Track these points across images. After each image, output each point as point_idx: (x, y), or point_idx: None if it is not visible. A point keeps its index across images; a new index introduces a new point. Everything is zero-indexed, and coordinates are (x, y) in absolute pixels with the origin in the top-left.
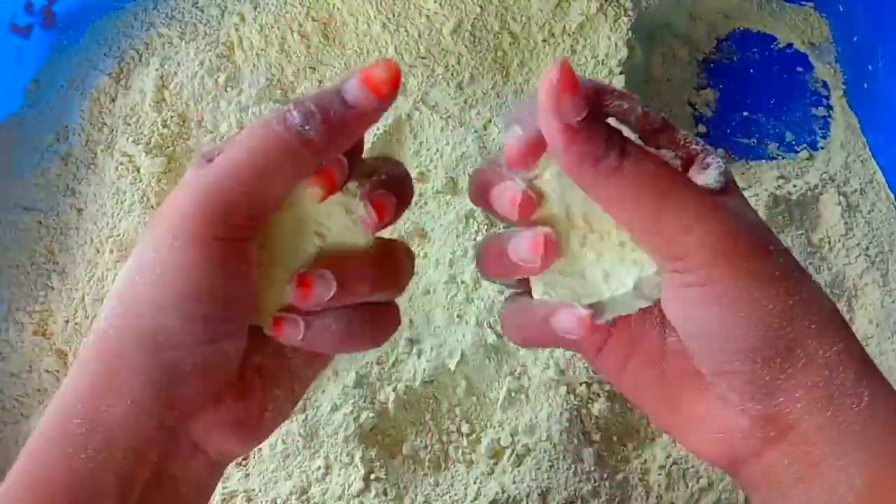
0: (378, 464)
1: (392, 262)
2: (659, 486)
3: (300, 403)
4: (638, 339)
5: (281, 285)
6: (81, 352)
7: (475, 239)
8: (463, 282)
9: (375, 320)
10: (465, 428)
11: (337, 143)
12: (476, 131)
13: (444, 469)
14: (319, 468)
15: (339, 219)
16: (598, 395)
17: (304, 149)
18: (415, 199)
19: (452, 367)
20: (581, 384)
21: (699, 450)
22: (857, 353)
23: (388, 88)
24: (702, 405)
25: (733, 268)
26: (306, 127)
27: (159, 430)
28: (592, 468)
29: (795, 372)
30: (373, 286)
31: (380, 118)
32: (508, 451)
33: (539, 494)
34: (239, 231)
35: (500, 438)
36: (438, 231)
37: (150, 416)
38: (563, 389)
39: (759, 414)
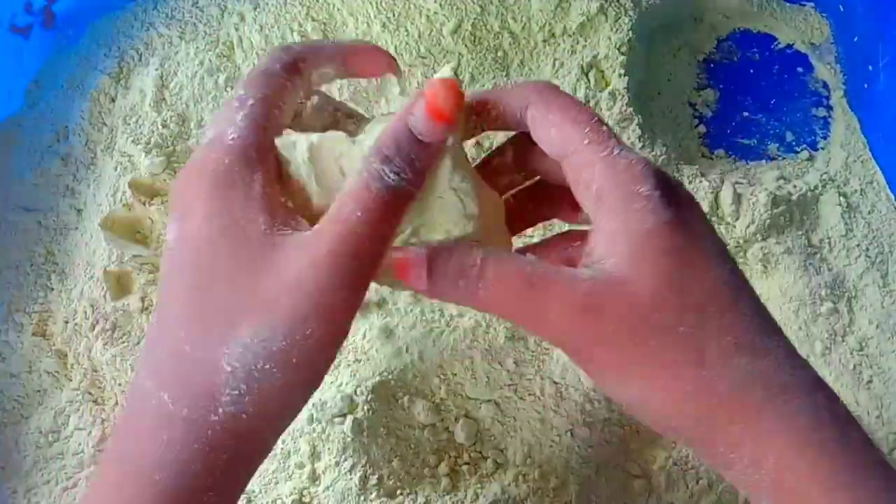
0: (378, 465)
1: None
2: (659, 486)
3: None
4: None
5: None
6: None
7: None
8: None
9: None
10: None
11: (424, 177)
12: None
13: (445, 470)
14: (319, 469)
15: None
16: (599, 400)
17: (402, 200)
18: None
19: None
20: (578, 389)
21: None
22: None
23: (454, 113)
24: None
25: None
26: (399, 179)
27: None
28: (593, 469)
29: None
30: None
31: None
32: (509, 453)
33: (539, 496)
34: (361, 296)
35: (500, 440)
36: None
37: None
38: (562, 394)
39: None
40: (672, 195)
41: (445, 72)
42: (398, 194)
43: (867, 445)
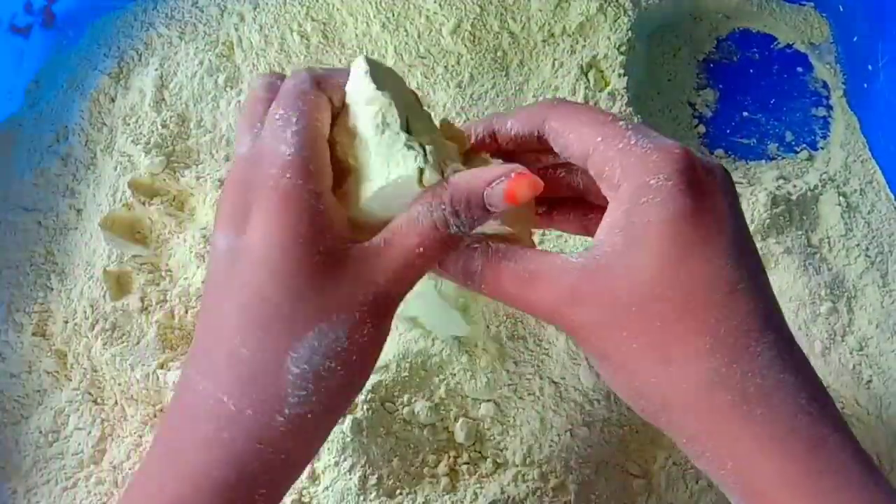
0: (378, 465)
1: None
2: (659, 486)
3: None
4: None
5: None
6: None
7: None
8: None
9: None
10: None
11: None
12: None
13: (445, 470)
14: (319, 469)
15: None
16: (598, 399)
17: (453, 245)
18: None
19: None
20: (578, 389)
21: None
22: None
23: (525, 198)
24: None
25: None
26: (458, 231)
27: None
28: (592, 469)
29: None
30: None
31: None
32: (508, 453)
33: (539, 496)
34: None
35: (499, 440)
36: None
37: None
38: (562, 394)
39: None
40: (689, 184)
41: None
42: (453, 241)
43: (847, 450)
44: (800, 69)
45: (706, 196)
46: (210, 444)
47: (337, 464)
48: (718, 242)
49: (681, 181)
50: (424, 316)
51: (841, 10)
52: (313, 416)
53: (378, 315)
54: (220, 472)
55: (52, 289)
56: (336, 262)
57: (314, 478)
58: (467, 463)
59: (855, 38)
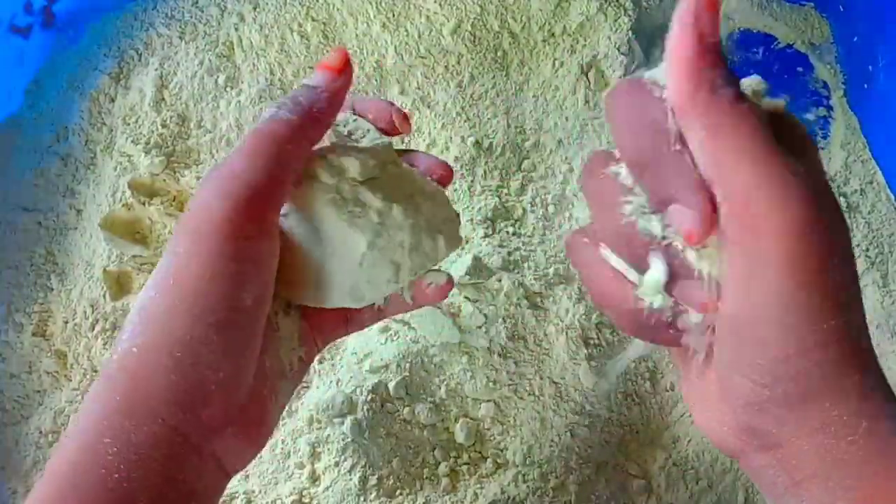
0: (378, 465)
1: None
2: (659, 486)
3: (300, 404)
4: None
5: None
6: (105, 370)
7: (478, 238)
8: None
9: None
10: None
11: (314, 118)
12: (476, 131)
13: (445, 470)
14: (319, 469)
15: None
16: (598, 400)
17: (290, 131)
18: None
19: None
20: (578, 389)
21: (703, 426)
22: (870, 384)
23: (342, 65)
24: (714, 385)
25: (799, 272)
26: (286, 113)
27: (187, 449)
28: (593, 469)
29: (795, 401)
30: None
31: (343, 96)
32: (508, 453)
33: (539, 496)
34: (266, 224)
35: (499, 441)
36: None
37: (178, 434)
38: (562, 394)
39: (744, 425)
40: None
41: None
42: (285, 125)
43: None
44: (800, 69)
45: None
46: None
47: (337, 464)
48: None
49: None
50: (416, 321)
51: (841, 10)
52: (139, 353)
53: (198, 233)
54: (81, 418)
55: (52, 289)
56: None
57: (314, 478)
58: (467, 463)
59: (855, 38)
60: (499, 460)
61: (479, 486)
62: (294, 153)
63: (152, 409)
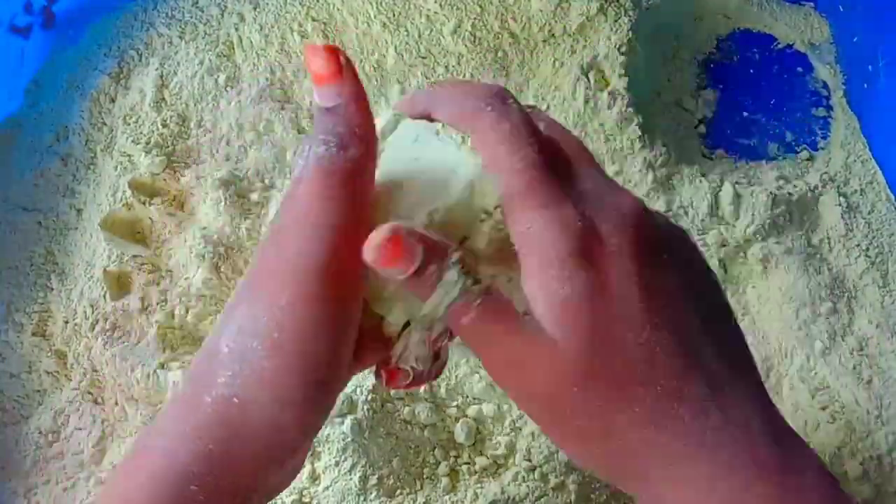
0: (378, 465)
1: None
2: None
3: None
4: None
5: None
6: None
7: None
8: None
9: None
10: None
11: (359, 139)
12: None
13: (445, 470)
14: (319, 469)
15: None
16: None
17: (353, 165)
18: None
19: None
20: None
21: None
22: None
23: (334, 68)
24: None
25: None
26: (332, 150)
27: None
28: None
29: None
30: None
31: (364, 95)
32: (508, 454)
33: (538, 496)
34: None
35: (499, 441)
36: None
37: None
38: None
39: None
40: (589, 254)
41: None
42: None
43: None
44: (800, 69)
45: (612, 263)
46: (160, 430)
47: (337, 464)
48: (633, 309)
49: (583, 251)
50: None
51: (841, 10)
52: (240, 404)
53: (308, 281)
54: (148, 459)
55: (52, 289)
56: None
57: (314, 478)
58: (467, 463)
59: (855, 38)
60: (499, 460)
61: (479, 486)
62: (366, 186)
63: (239, 465)
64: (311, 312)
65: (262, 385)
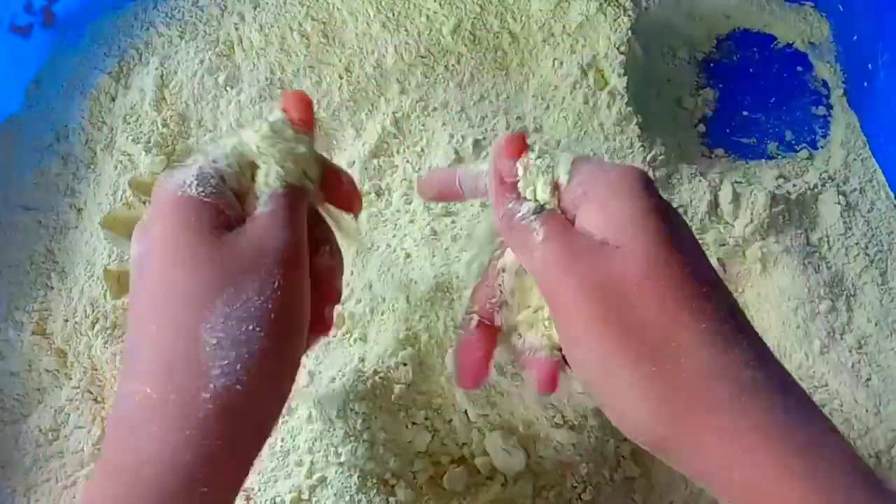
0: (378, 464)
1: None
2: (659, 485)
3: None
4: None
5: None
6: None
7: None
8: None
9: None
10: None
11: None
12: (476, 130)
13: (445, 469)
14: (319, 468)
15: None
16: None
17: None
18: (415, 199)
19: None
20: (580, 393)
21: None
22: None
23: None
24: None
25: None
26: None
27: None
28: (592, 469)
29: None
30: None
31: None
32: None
33: (539, 497)
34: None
35: (499, 441)
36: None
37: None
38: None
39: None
40: (654, 188)
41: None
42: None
43: (846, 451)
44: (799, 69)
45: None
46: (140, 440)
47: (338, 463)
48: (692, 237)
49: (649, 184)
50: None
51: (841, 9)
52: (244, 388)
53: (288, 265)
54: (151, 470)
55: (52, 287)
56: (232, 236)
57: (314, 477)
58: (468, 463)
59: (855, 38)
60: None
61: (479, 486)
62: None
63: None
64: (297, 288)
65: (265, 363)
